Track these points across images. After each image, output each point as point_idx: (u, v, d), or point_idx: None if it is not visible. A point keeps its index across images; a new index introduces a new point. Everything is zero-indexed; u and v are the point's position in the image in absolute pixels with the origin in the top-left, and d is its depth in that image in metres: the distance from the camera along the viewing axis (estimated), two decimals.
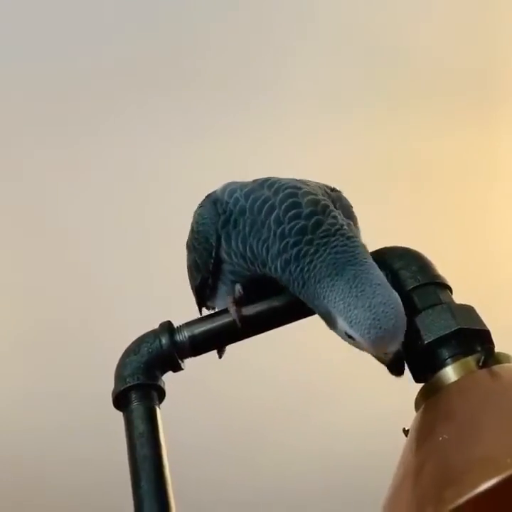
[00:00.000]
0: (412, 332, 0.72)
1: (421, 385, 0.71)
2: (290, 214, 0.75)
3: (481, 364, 0.66)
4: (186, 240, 0.90)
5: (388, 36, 1.96)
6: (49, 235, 2.10)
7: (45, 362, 2.30)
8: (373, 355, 0.72)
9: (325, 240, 0.72)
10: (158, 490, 0.73)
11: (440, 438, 0.59)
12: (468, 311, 0.73)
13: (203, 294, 0.89)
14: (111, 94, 1.88)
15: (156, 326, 0.83)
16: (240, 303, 0.81)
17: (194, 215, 0.87)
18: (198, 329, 0.81)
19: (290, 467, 2.68)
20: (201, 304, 0.92)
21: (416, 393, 0.71)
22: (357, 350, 0.73)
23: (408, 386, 0.73)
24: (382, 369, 0.72)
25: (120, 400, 0.79)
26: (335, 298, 0.70)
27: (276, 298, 0.83)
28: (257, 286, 0.82)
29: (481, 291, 1.95)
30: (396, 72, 2.03)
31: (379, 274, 0.71)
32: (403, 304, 0.73)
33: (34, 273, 2.16)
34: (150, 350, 0.80)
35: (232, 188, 0.83)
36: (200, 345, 0.81)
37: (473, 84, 2.11)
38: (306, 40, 1.88)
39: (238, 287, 0.82)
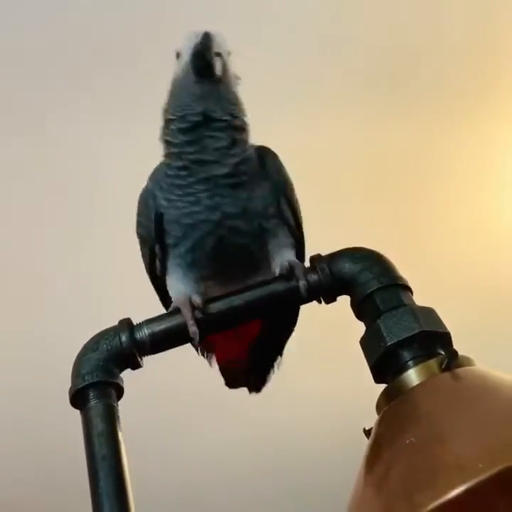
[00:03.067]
0: (374, 334, 0.73)
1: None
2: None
3: (443, 367, 0.67)
4: None
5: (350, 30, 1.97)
6: None
7: None
8: None
9: None
10: (118, 490, 0.72)
11: (407, 441, 0.60)
12: (430, 313, 0.74)
13: (154, 272, 0.92)
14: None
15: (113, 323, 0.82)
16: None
17: None
18: (158, 327, 0.80)
19: (214, 456, 2.67)
20: (157, 285, 0.94)
21: None
22: None
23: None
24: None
25: (78, 398, 0.77)
26: None
27: (236, 297, 0.83)
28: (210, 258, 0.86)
29: (437, 292, 2.00)
30: (353, 68, 2.04)
31: None
32: (366, 305, 0.75)
33: None
34: (109, 347, 0.78)
35: None
36: (160, 343, 0.80)
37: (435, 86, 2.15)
38: (261, 28, 1.87)
39: (196, 298, 0.82)
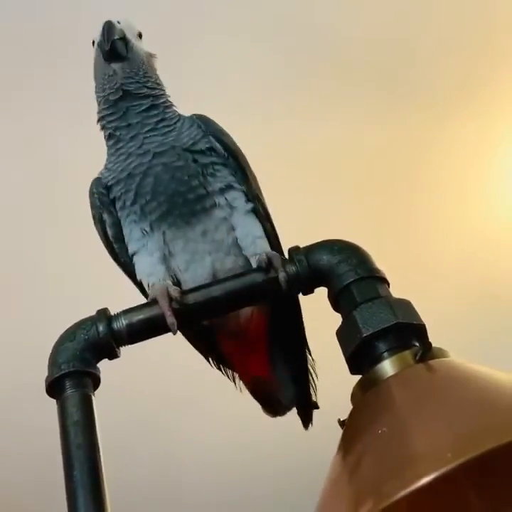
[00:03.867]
0: (351, 325, 0.73)
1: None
2: None
3: (418, 358, 0.67)
4: None
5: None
6: None
7: None
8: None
9: None
10: (92, 479, 0.72)
11: (379, 431, 0.60)
12: (406, 305, 0.74)
13: (115, 252, 0.95)
14: None
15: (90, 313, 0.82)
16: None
17: None
18: (136, 317, 0.80)
19: (189, 457, 2.67)
20: (114, 255, 0.96)
21: None
22: None
23: None
24: None
25: (54, 388, 0.77)
26: None
27: (215, 288, 0.83)
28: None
29: (414, 284, 2.00)
30: (342, 65, 2.05)
31: None
32: (343, 296, 0.75)
33: None
34: (86, 337, 0.78)
35: None
36: (137, 333, 0.80)
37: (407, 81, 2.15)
38: (251, 23, 1.87)
39: (173, 291, 0.82)
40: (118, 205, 0.93)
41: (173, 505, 2.71)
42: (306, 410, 0.99)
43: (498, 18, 2.16)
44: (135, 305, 0.83)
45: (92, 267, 2.12)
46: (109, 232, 0.95)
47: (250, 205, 0.94)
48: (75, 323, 0.80)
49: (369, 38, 2.10)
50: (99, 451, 0.74)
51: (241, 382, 1.02)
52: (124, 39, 0.98)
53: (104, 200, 0.94)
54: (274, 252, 0.84)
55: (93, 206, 0.95)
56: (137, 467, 2.59)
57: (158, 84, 1.00)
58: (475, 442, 0.53)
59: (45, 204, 2.11)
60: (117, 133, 0.95)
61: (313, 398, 0.99)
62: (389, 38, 2.11)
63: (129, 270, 0.95)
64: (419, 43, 2.15)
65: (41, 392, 0.78)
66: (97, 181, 0.95)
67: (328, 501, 0.60)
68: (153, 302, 0.82)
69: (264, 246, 0.88)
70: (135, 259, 0.93)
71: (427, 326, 0.73)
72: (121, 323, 0.79)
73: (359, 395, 0.69)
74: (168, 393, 2.47)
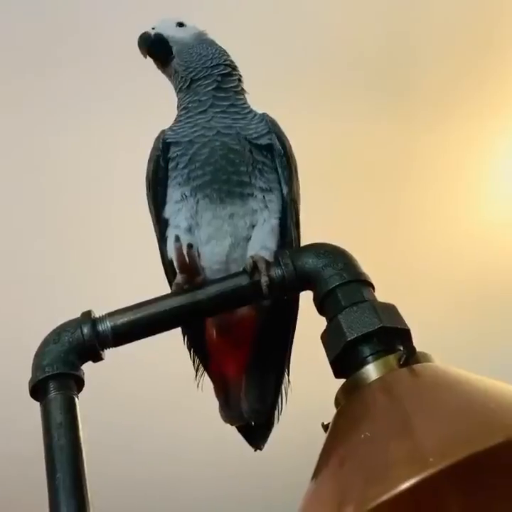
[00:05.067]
0: (335, 329, 0.74)
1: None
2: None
3: (402, 362, 0.67)
4: None
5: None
6: None
7: None
8: None
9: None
10: (74, 482, 0.72)
11: (362, 435, 0.60)
12: (391, 309, 0.74)
13: (157, 205, 0.97)
14: None
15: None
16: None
17: None
18: (121, 320, 0.80)
19: (178, 456, 2.66)
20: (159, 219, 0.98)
21: None
22: None
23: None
24: None
25: (38, 390, 0.77)
26: None
27: (200, 291, 0.83)
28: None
29: (400, 285, 2.01)
30: (336, 64, 2.05)
31: None
32: (328, 300, 0.75)
33: None
34: (71, 339, 0.78)
35: None
36: (122, 335, 0.80)
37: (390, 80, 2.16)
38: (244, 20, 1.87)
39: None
40: (171, 165, 0.97)
41: (163, 503, 2.71)
42: (263, 430, 0.98)
43: (492, 22, 2.17)
44: (120, 308, 0.83)
45: (77, 268, 2.13)
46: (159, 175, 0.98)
47: (278, 215, 0.96)
48: (59, 326, 0.80)
49: (360, 38, 2.10)
50: (82, 454, 0.74)
51: (206, 375, 1.01)
52: (159, 41, 1.05)
53: (164, 149, 0.98)
54: (260, 256, 0.84)
55: (155, 148, 0.99)
56: (126, 466, 2.59)
57: (220, 57, 1.05)
58: (457, 447, 0.53)
59: (33, 204, 2.10)
60: (189, 105, 1.00)
61: (276, 421, 0.98)
62: (381, 38, 2.11)
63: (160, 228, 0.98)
64: (411, 44, 2.16)
65: (25, 394, 0.77)
66: (162, 134, 0.99)
67: (309, 505, 0.60)
68: (139, 304, 0.82)
69: (263, 254, 0.88)
70: (169, 232, 0.95)
71: (413, 328, 0.73)
72: (106, 325, 0.79)
73: (342, 398, 0.69)
74: (156, 394, 2.46)
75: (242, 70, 1.07)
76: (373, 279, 0.79)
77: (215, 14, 1.86)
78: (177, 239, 0.87)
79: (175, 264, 0.85)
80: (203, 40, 1.07)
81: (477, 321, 2.66)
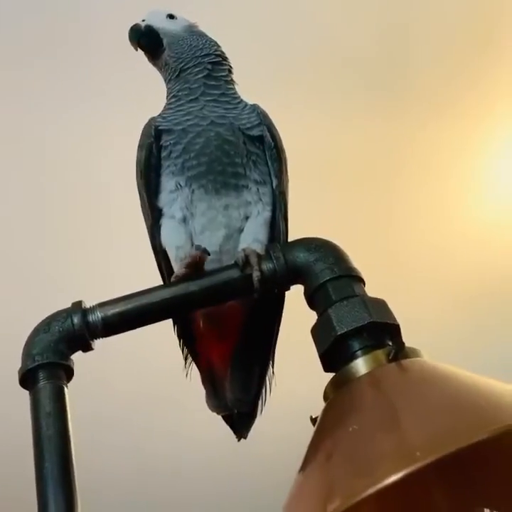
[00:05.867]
0: (325, 323, 0.74)
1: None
2: None
3: (391, 357, 0.67)
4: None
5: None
6: None
7: None
8: None
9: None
10: (62, 471, 0.72)
11: (350, 429, 0.60)
12: (381, 304, 0.74)
13: (150, 192, 0.96)
14: None
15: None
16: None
17: None
18: (112, 310, 0.80)
19: (177, 453, 2.67)
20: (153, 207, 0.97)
21: None
22: None
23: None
24: None
25: (27, 379, 0.77)
26: None
27: (192, 283, 0.83)
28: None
29: (392, 282, 2.01)
30: (308, 60, 2.04)
31: None
32: (319, 294, 0.76)
33: None
34: (61, 329, 0.78)
35: None
36: (112, 326, 0.80)
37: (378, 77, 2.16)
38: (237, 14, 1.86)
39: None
40: (163, 153, 0.96)
41: (151, 498, 2.72)
42: (246, 419, 0.99)
43: (486, 22, 2.17)
44: (111, 298, 0.83)
45: (68, 259, 2.12)
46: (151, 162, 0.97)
47: (271, 208, 0.96)
48: (50, 315, 0.80)
49: (353, 36, 2.10)
50: (70, 443, 0.74)
51: (194, 365, 1.01)
52: (149, 34, 1.05)
53: (156, 136, 0.97)
54: (252, 249, 0.84)
55: (146, 134, 0.98)
56: (116, 460, 2.59)
57: (211, 47, 1.05)
58: (444, 442, 0.53)
59: (22, 196, 2.10)
60: (180, 93, 1.00)
61: (259, 411, 0.98)
62: (375, 36, 2.11)
63: (153, 217, 0.97)
64: (404, 43, 2.16)
65: (14, 383, 0.77)
66: (153, 121, 0.99)
67: (297, 498, 0.60)
68: (130, 295, 0.82)
69: (255, 247, 0.88)
70: (163, 221, 0.96)
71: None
72: (97, 315, 0.79)
73: (331, 392, 0.70)
74: (148, 389, 2.46)
75: (236, 64, 1.07)
76: (366, 276, 0.79)
77: (210, 9, 1.85)
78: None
79: (184, 260, 0.85)
80: (193, 32, 1.07)
81: (469, 319, 2.67)
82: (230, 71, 1.06)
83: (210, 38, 1.08)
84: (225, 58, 1.06)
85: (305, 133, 2.06)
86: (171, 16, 1.08)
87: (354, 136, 2.23)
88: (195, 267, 0.84)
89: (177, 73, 1.03)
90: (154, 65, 1.07)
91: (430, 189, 2.43)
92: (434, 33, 2.17)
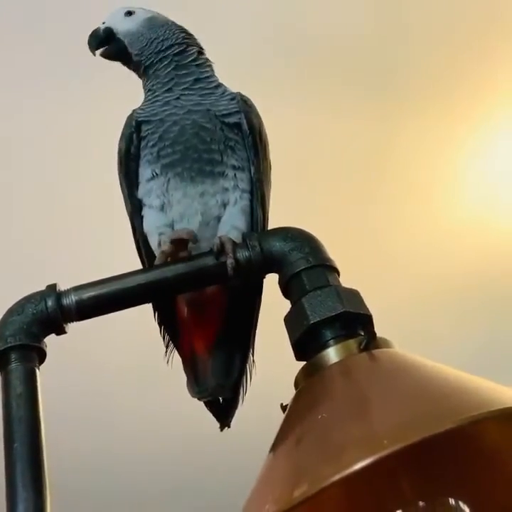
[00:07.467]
0: (299, 312, 0.74)
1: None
2: None
3: (362, 347, 0.68)
4: None
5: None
6: None
7: None
8: None
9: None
10: (32, 452, 0.72)
11: (319, 416, 0.61)
12: (354, 294, 0.75)
13: (129, 181, 0.97)
14: None
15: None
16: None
17: None
18: (87, 294, 0.80)
19: (146, 431, 2.67)
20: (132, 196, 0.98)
21: None
22: None
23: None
24: None
25: None
26: None
27: (166, 269, 0.83)
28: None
29: (375, 273, 2.02)
30: (292, 53, 2.05)
31: None
32: (293, 283, 0.76)
33: None
34: (34, 311, 0.78)
35: None
36: (86, 310, 0.80)
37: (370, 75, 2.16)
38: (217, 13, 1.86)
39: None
40: (142, 143, 0.96)
41: (128, 478, 2.72)
42: (227, 407, 0.99)
43: (470, 23, 2.18)
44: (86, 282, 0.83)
45: (44, 241, 2.11)
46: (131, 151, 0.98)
47: (249, 195, 0.96)
48: (24, 297, 0.80)
49: (338, 32, 2.10)
50: (41, 425, 0.74)
51: (176, 352, 1.02)
52: (109, 37, 1.03)
53: (136, 127, 0.97)
54: (228, 237, 0.85)
55: (127, 125, 0.98)
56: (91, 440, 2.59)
57: (172, 36, 1.02)
58: (411, 430, 0.54)
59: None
60: (154, 87, 0.99)
61: (241, 398, 0.99)
62: (359, 33, 2.11)
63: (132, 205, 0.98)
64: (388, 42, 2.17)
65: None
66: (134, 113, 0.99)
67: (264, 483, 0.61)
68: (106, 279, 0.82)
69: (232, 235, 0.89)
70: (144, 211, 0.96)
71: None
72: (71, 299, 0.79)
73: (302, 380, 0.70)
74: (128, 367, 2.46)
75: (217, 55, 1.06)
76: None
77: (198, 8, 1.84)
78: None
79: (172, 235, 0.88)
80: (152, 25, 1.03)
81: (448, 311, 2.70)
82: (200, 52, 1.04)
83: (172, 25, 1.04)
84: (191, 43, 1.04)
85: (286, 125, 2.06)
86: (129, 13, 1.04)
87: (337, 132, 2.23)
88: (181, 243, 0.84)
89: (145, 71, 1.02)
90: (129, 68, 1.05)
91: (415, 182, 2.45)
92: (417, 34, 2.18)
